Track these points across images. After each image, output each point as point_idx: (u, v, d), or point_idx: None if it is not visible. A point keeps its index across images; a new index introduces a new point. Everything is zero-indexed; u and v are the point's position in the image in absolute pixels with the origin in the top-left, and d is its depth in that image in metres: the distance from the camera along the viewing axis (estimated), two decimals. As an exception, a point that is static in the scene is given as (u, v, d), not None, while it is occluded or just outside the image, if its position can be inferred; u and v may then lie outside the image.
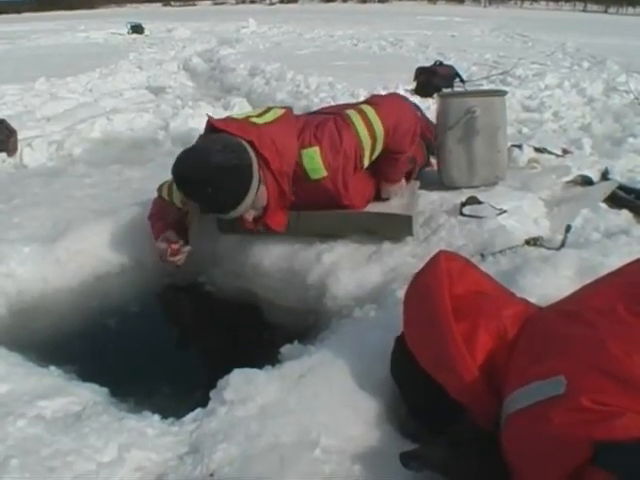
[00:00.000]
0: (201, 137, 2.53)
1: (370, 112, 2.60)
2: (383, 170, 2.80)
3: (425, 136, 3.21)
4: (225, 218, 2.54)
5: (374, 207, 2.80)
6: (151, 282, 2.94)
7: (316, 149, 2.50)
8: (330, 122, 2.57)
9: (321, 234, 2.73)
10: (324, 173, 2.54)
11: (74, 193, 3.69)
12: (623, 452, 1.10)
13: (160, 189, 2.83)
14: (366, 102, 2.74)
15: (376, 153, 2.66)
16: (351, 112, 2.62)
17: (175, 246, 2.65)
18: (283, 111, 2.65)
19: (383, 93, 6.24)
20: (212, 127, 2.47)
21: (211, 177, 2.30)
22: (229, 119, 2.58)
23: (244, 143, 2.39)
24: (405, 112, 2.74)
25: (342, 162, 2.54)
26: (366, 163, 2.66)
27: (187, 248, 2.70)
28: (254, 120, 2.54)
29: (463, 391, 1.46)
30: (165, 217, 2.76)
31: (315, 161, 2.51)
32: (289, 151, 2.48)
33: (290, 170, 2.51)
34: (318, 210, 2.68)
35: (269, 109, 2.68)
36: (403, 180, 2.94)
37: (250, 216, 2.49)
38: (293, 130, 2.54)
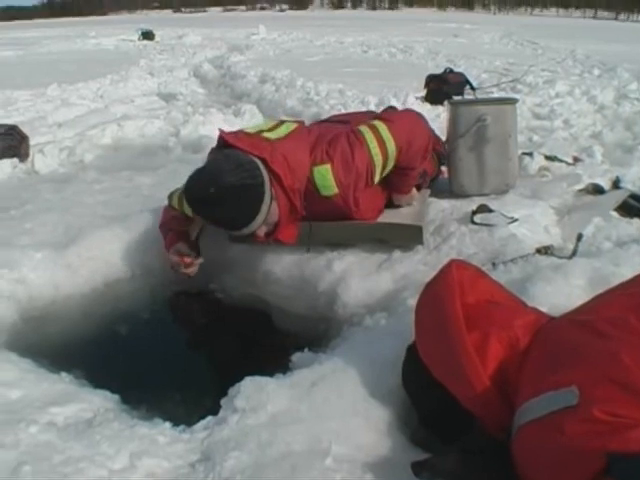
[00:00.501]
0: (213, 152, 2.54)
1: (383, 129, 2.59)
2: (394, 182, 2.80)
3: (435, 148, 3.21)
4: (237, 235, 2.55)
5: (384, 217, 2.81)
6: (162, 289, 2.95)
7: (328, 167, 2.50)
8: (342, 138, 2.56)
9: (332, 244, 2.73)
10: (335, 190, 2.54)
11: (85, 199, 3.70)
12: (637, 465, 1.09)
13: (170, 198, 2.84)
14: (379, 117, 2.74)
15: (387, 170, 2.66)
16: (364, 128, 2.61)
17: (188, 260, 2.65)
18: (295, 125, 2.65)
19: (394, 101, 6.28)
20: (224, 141, 2.48)
21: (223, 197, 2.31)
22: (241, 134, 2.57)
23: (256, 160, 2.39)
24: (418, 129, 2.74)
25: (354, 179, 2.54)
26: (377, 180, 2.65)
27: (199, 260, 2.70)
28: (266, 135, 2.54)
29: (474, 400, 1.46)
30: (176, 227, 2.77)
31: (326, 178, 2.51)
32: (301, 168, 2.48)
33: (302, 186, 2.52)
34: (329, 221, 2.68)
35: (282, 123, 2.69)
36: (414, 190, 2.94)
37: (262, 232, 2.50)
38: (306, 145, 2.54)
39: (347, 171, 2.52)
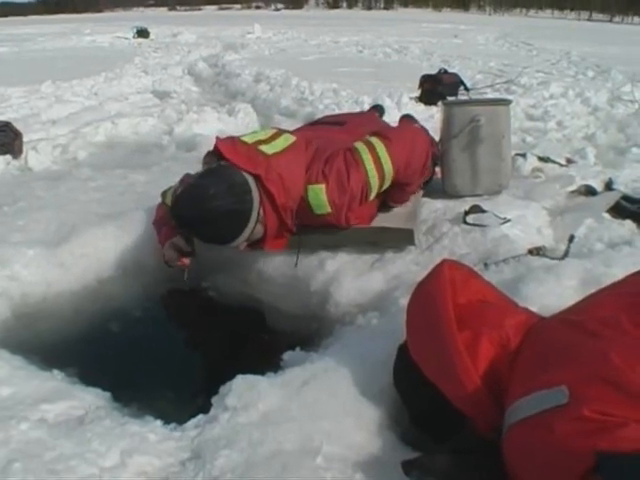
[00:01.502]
0: (208, 157, 2.53)
1: (381, 149, 2.58)
2: (391, 195, 2.83)
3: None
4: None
5: (376, 220, 2.80)
6: (154, 286, 2.94)
7: (322, 187, 2.50)
8: (339, 158, 2.55)
9: (324, 245, 2.72)
10: (328, 209, 2.54)
11: (78, 197, 3.69)
12: (626, 463, 1.10)
13: (164, 196, 2.84)
14: (378, 134, 2.70)
15: (384, 188, 2.68)
16: (361, 147, 2.59)
17: (186, 260, 2.67)
18: (294, 139, 2.64)
19: (388, 101, 6.27)
20: (219, 151, 2.48)
21: (207, 220, 2.36)
22: (238, 145, 2.55)
23: (249, 180, 2.40)
24: (418, 148, 2.74)
25: (347, 201, 2.54)
26: (371, 198, 2.66)
27: (195, 255, 2.71)
28: (263, 148, 2.52)
29: (465, 400, 1.46)
30: (169, 223, 2.77)
31: (320, 198, 2.52)
32: (295, 187, 2.49)
33: (295, 205, 2.53)
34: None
35: (280, 133, 2.67)
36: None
37: (242, 247, 2.54)
38: (302, 162, 2.54)
39: (341, 192, 2.52)
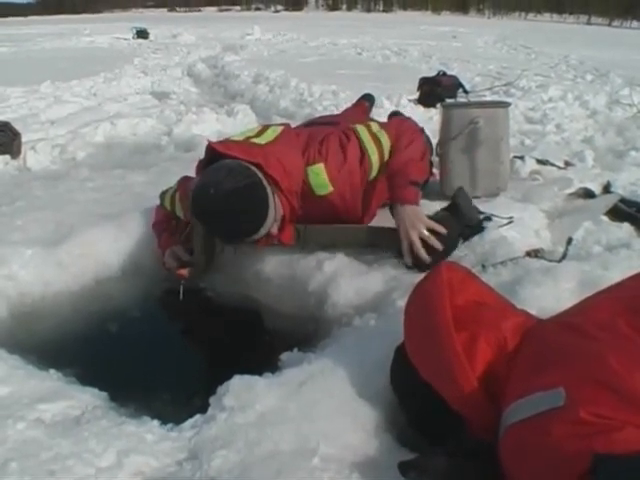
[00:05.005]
0: (202, 169, 2.51)
1: (374, 126, 2.64)
2: (391, 188, 2.62)
3: None
4: (256, 238, 2.46)
5: (377, 221, 2.80)
6: (152, 287, 2.94)
7: (321, 165, 2.50)
8: (334, 137, 2.57)
9: (326, 245, 2.72)
10: (330, 188, 2.54)
11: (77, 197, 3.69)
12: (622, 465, 1.10)
13: (162, 198, 2.83)
14: (370, 120, 2.79)
15: (386, 158, 2.64)
16: (356, 125, 2.64)
17: (184, 272, 2.67)
18: (282, 128, 2.64)
19: (387, 103, 6.31)
20: (212, 152, 2.45)
21: (230, 203, 2.26)
22: (230, 142, 2.54)
23: (252, 167, 2.34)
24: (408, 124, 2.78)
25: (348, 175, 2.54)
26: (374, 172, 2.64)
27: (194, 266, 2.70)
28: (255, 141, 2.51)
29: (462, 401, 1.46)
30: (169, 227, 2.76)
31: (320, 177, 2.51)
32: (296, 169, 2.48)
33: (298, 188, 2.51)
34: (324, 224, 2.67)
35: (267, 127, 2.67)
36: (420, 207, 2.63)
37: (275, 229, 2.48)
38: (297, 147, 2.53)
39: (340, 168, 2.52)
